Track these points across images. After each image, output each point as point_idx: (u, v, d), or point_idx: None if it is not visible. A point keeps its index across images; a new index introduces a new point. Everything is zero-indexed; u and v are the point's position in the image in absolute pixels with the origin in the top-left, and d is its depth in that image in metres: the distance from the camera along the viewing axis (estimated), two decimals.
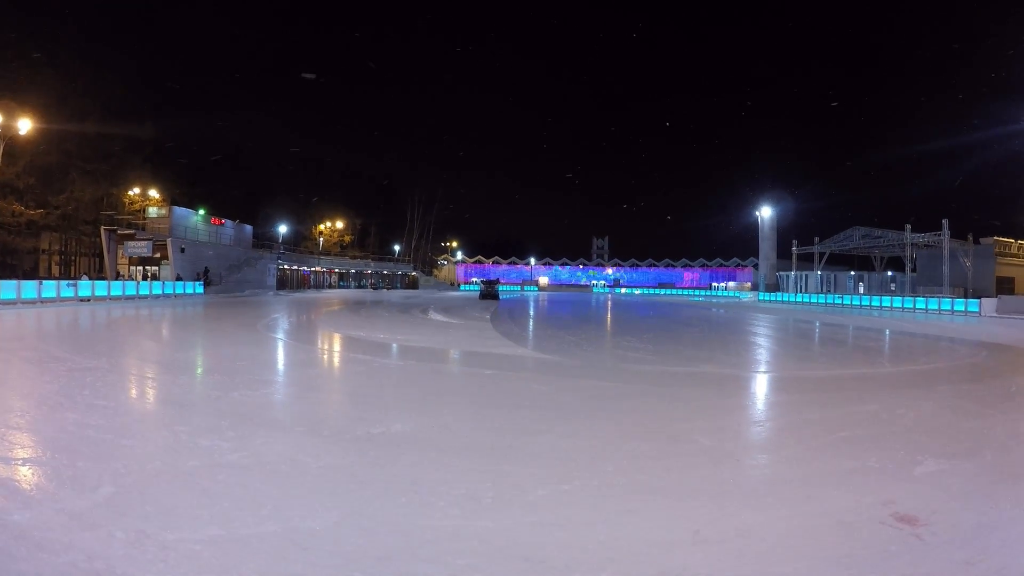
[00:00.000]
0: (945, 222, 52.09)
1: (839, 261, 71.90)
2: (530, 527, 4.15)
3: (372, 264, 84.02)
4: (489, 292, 54.54)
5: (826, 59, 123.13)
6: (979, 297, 39.68)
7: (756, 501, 4.75)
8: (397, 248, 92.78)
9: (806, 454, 6.08)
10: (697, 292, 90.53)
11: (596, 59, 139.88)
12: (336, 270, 78.13)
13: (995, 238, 57.38)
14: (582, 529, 4.14)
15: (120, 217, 47.90)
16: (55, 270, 52.17)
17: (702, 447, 6.31)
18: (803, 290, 65.58)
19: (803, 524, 4.25)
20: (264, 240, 64.82)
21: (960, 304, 38.52)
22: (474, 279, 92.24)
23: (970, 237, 55.41)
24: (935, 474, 5.41)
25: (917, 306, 41.17)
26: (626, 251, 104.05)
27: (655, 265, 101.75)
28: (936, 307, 39.48)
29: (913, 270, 59.35)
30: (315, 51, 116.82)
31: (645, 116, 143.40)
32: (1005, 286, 53.82)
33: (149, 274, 44.40)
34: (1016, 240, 59.13)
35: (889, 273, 67.47)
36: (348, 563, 3.56)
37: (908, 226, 56.43)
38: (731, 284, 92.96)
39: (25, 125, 35.07)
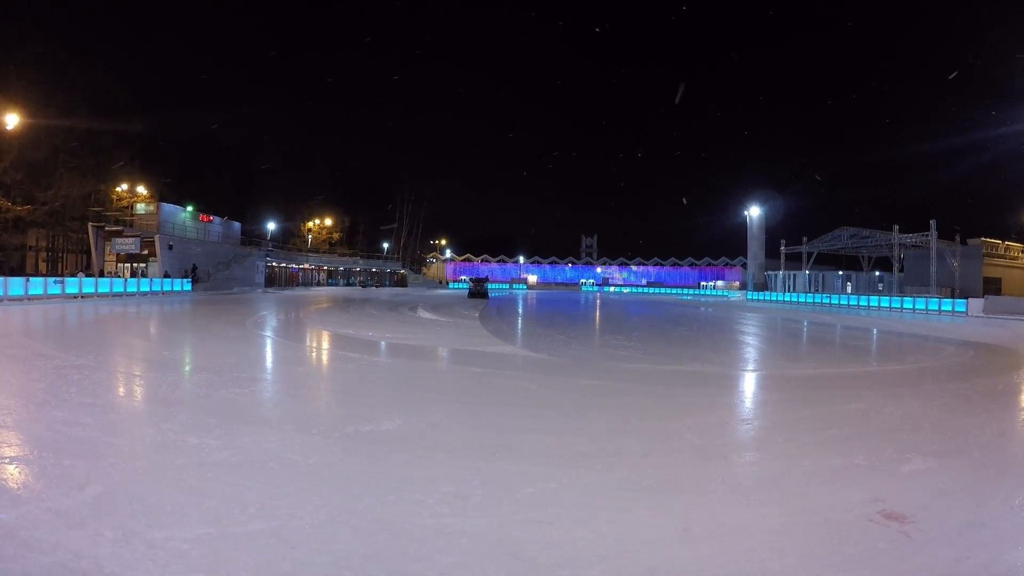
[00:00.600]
0: (933, 223, 52.52)
1: (827, 261, 72.37)
2: (519, 525, 4.15)
3: (361, 262, 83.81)
4: (478, 291, 52.78)
5: (817, 60, 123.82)
6: (966, 297, 39.95)
7: (745, 498, 4.78)
8: (386, 246, 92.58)
9: (794, 452, 6.11)
10: (686, 291, 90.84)
11: (586, 58, 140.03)
12: (325, 267, 77.90)
13: (982, 239, 57.84)
14: (571, 526, 4.15)
15: (108, 213, 47.49)
16: (42, 267, 51.69)
17: (691, 445, 6.34)
18: (791, 289, 65.90)
19: (791, 521, 4.27)
20: (252, 237, 64.48)
21: (947, 304, 38.79)
22: (463, 277, 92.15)
23: (957, 238, 55.83)
24: (922, 472, 5.45)
25: (904, 306, 41.44)
26: (615, 250, 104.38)
27: (644, 264, 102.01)
28: (923, 307, 39.75)
29: (901, 270, 59.73)
30: (307, 47, 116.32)
31: (635, 116, 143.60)
32: (992, 286, 54.26)
33: (139, 271, 44.06)
34: (1003, 241, 59.67)
35: (877, 273, 67.87)
36: (337, 561, 3.55)
37: (896, 226, 56.92)
38: (720, 283, 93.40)
39: (12, 120, 34.73)
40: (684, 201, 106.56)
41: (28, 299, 25.88)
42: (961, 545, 3.91)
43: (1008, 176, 62.25)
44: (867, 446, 6.25)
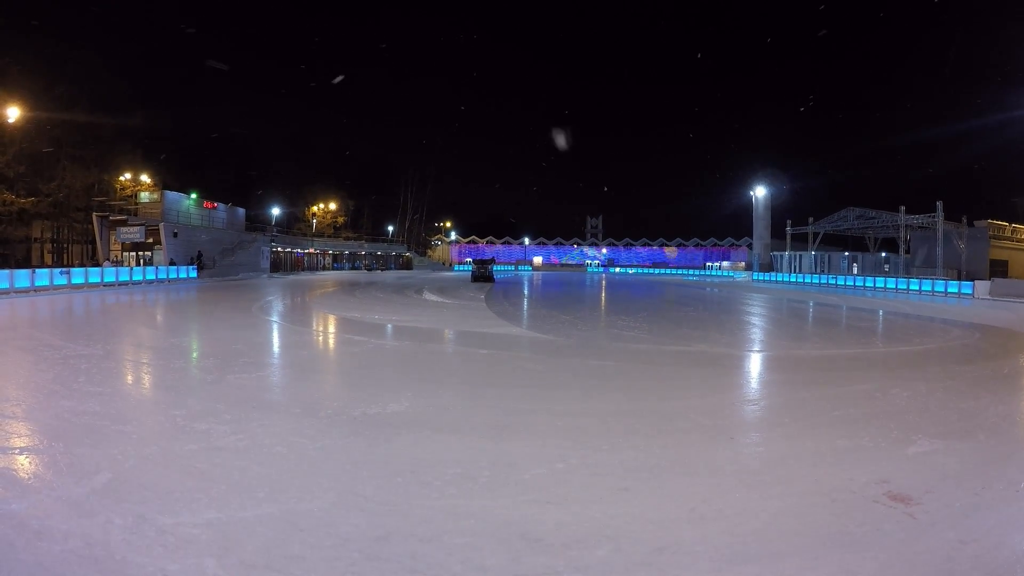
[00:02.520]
0: (939, 204, 52.00)
1: (833, 242, 71.90)
2: (527, 505, 4.18)
3: (366, 245, 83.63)
4: (482, 273, 44.98)
5: (823, 40, 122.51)
6: (973, 279, 39.63)
7: (751, 479, 4.79)
8: (391, 229, 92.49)
9: (800, 433, 6.12)
10: (691, 272, 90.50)
11: (589, 40, 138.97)
12: (330, 252, 77.79)
13: (989, 221, 57.18)
14: (578, 507, 4.17)
15: (112, 203, 47.35)
16: (47, 258, 51.74)
17: (697, 425, 6.35)
18: (797, 270, 65.60)
19: (797, 502, 4.29)
20: (257, 223, 64.36)
21: (954, 286, 38.42)
22: (468, 259, 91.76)
23: (964, 219, 55.19)
24: (928, 454, 5.46)
25: (911, 287, 41.18)
26: (620, 231, 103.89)
27: (649, 244, 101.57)
28: (930, 289, 39.44)
29: (907, 252, 59.27)
30: (308, 32, 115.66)
31: (640, 95, 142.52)
32: (998, 269, 53.71)
33: (143, 259, 44.08)
34: (1010, 223, 59.08)
35: (883, 254, 67.43)
36: (345, 543, 3.58)
37: (903, 208, 56.33)
38: (725, 264, 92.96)
39: (13, 114, 34.67)
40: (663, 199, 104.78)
41: (35, 291, 25.91)
42: (966, 528, 3.92)
43: (1016, 159, 61.65)
44: (873, 428, 6.25)
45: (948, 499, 4.38)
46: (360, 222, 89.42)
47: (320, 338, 14.26)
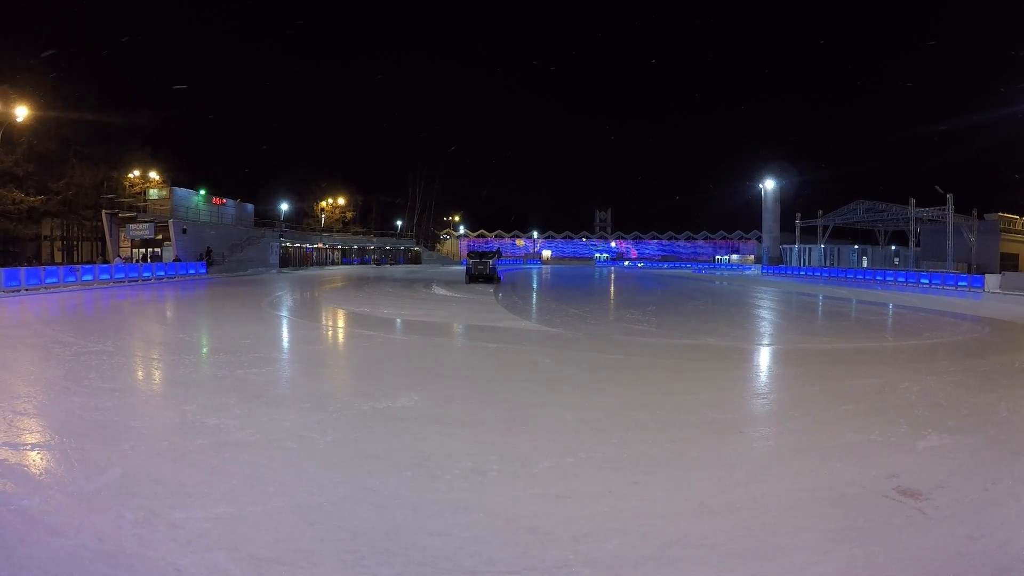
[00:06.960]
0: (950, 197, 51.52)
1: (842, 235, 71.51)
2: (536, 499, 4.19)
3: (374, 240, 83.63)
4: (480, 271, 34.31)
5: (832, 31, 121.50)
6: (983, 273, 39.33)
7: (760, 473, 4.78)
8: (399, 223, 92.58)
9: (809, 427, 6.10)
10: (700, 265, 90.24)
11: (597, 31, 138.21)
12: (339, 247, 77.76)
13: (999, 214, 56.69)
14: (587, 501, 4.18)
15: (121, 200, 47.47)
16: (58, 256, 51.99)
17: (706, 419, 6.35)
18: (806, 263, 65.33)
19: (806, 496, 4.28)
20: (266, 218, 64.42)
21: (964, 279, 38.20)
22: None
23: (975, 212, 54.68)
24: (938, 448, 5.43)
25: (920, 281, 40.95)
26: (629, 224, 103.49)
27: (658, 238, 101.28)
28: (939, 282, 39.18)
29: (917, 245, 58.88)
30: (313, 28, 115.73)
31: (648, 89, 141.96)
32: (1009, 262, 53.23)
33: (151, 255, 44.25)
34: (1020, 217, 58.57)
35: (893, 247, 67.11)
36: (356, 537, 3.59)
37: (912, 200, 55.90)
38: (734, 257, 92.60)
39: (22, 112, 34.83)
40: (674, 194, 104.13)
41: (45, 288, 26.05)
42: (976, 523, 3.90)
43: None
44: (883, 422, 6.23)
45: (958, 494, 4.36)
46: (369, 217, 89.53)
47: (329, 333, 14.30)
